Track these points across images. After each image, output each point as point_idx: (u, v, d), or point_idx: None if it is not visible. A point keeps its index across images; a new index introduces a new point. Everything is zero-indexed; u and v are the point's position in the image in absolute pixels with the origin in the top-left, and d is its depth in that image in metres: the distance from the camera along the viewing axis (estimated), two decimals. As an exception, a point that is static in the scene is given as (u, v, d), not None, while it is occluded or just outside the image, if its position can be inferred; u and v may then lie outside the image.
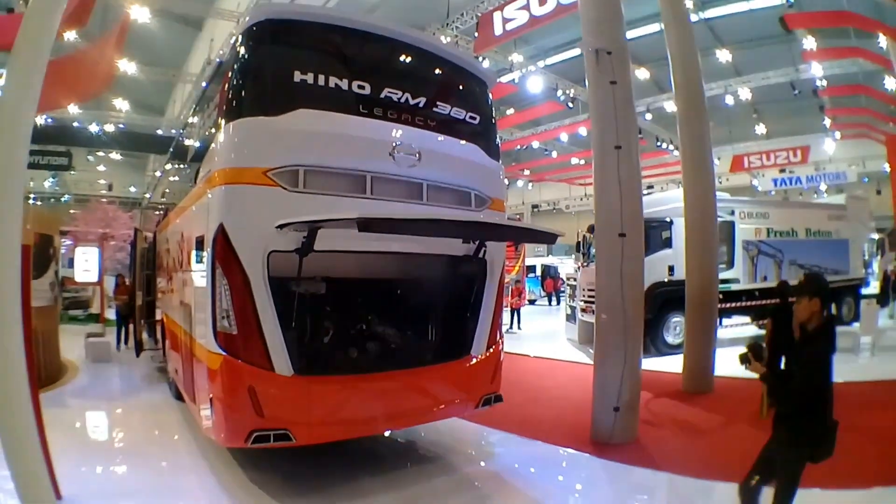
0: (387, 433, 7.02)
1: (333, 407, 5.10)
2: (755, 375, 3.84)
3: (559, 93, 21.37)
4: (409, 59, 5.97)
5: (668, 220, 12.71)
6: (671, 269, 12.55)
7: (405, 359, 5.91)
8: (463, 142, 5.99)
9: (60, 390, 9.56)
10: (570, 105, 21.58)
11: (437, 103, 5.85)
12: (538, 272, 32.71)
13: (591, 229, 13.29)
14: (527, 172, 35.91)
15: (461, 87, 6.30)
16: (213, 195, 5.00)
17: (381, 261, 5.89)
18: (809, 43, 17.34)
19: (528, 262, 31.01)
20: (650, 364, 11.05)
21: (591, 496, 5.78)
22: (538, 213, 40.74)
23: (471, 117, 6.11)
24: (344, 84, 5.18)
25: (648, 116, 23.50)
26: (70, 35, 15.57)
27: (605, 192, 6.78)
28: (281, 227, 4.61)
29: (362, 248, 5.19)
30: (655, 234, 12.73)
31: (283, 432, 4.73)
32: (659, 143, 25.36)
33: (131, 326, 12.93)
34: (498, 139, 6.56)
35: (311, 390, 4.95)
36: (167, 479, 5.88)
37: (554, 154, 30.72)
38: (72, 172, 30.31)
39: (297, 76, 4.99)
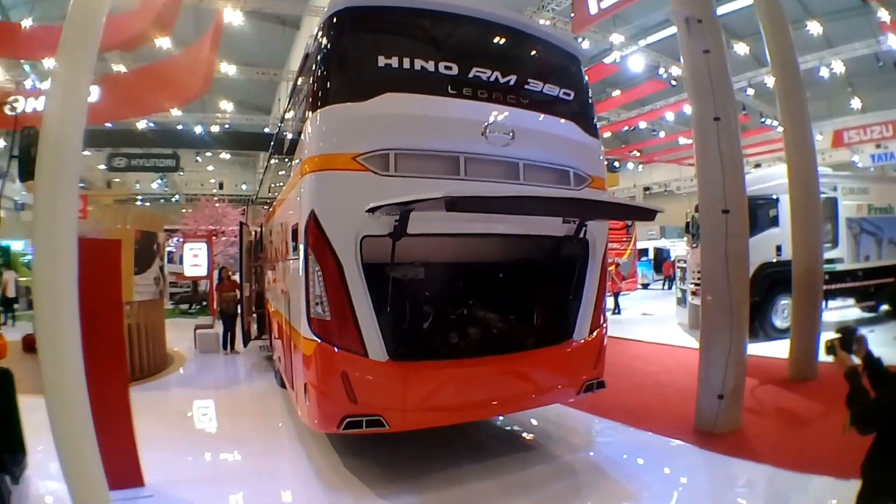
0: (498, 419, 6.82)
1: (428, 393, 4.91)
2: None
3: (661, 70, 20.41)
4: (495, 38, 5.71)
5: (773, 196, 11.71)
6: (779, 248, 11.58)
7: (504, 344, 5.60)
8: (558, 119, 5.65)
9: (166, 380, 9.84)
10: (674, 83, 20.31)
11: (529, 81, 5.53)
12: (650, 255, 31.35)
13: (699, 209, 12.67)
14: (636, 154, 34.56)
15: (552, 64, 5.95)
16: (304, 183, 4.94)
17: (479, 244, 5.69)
18: (884, 14, 16.20)
19: (641, 245, 29.62)
20: (757, 349, 10.27)
21: (687, 489, 5.33)
22: (650, 195, 38.90)
23: (565, 94, 5.75)
24: (430, 66, 5.01)
25: (750, 92, 22.07)
26: (165, 42, 16.30)
27: (707, 166, 6.22)
28: (372, 210, 4.47)
29: (458, 230, 5.04)
30: (762, 212, 11.80)
31: (376, 418, 4.64)
32: (763, 120, 23.65)
33: (238, 329, 12.40)
34: (595, 116, 6.16)
35: (406, 376, 4.79)
36: (261, 464, 5.90)
37: (661, 134, 29.22)
38: (180, 173, 31.81)
39: (382, 61, 4.88)
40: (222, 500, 5.08)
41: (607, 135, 29.37)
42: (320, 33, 5.12)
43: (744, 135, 25.04)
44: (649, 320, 17.14)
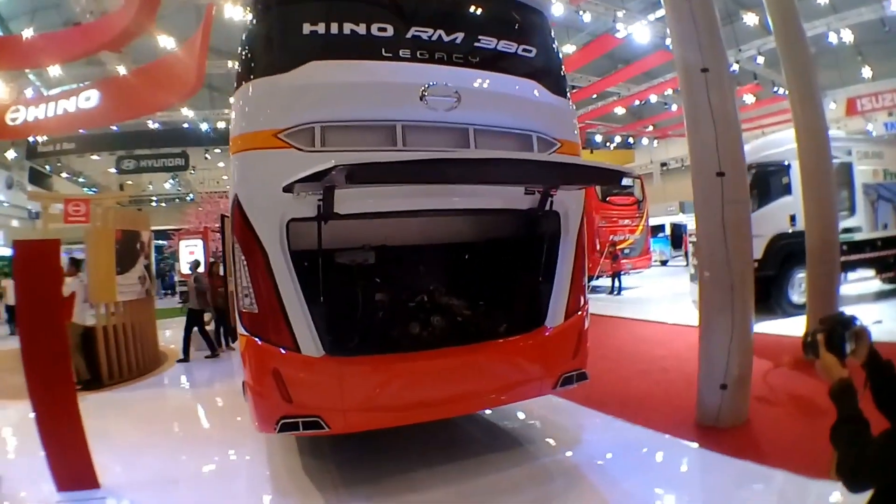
0: (486, 412, 6.19)
1: (371, 392, 4.29)
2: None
3: (669, 41, 19.25)
4: None
5: (785, 163, 10.68)
6: (793, 218, 10.56)
7: (460, 334, 4.93)
8: (517, 78, 4.88)
9: (154, 379, 9.45)
10: None
11: (479, 38, 4.79)
12: (667, 231, 30.25)
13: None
14: (650, 129, 33.29)
15: (508, 19, 5.19)
16: (231, 166, 4.45)
17: (437, 223, 5.05)
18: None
19: (659, 220, 28.53)
20: (773, 327, 9.54)
21: (676, 500, 4.51)
22: (667, 170, 37.45)
23: (524, 50, 4.98)
24: (361, 29, 4.41)
25: (761, 60, 21.39)
26: (169, 42, 15.84)
27: (696, 124, 5.37)
28: (287, 189, 3.87)
29: (398, 207, 4.44)
30: (774, 180, 10.94)
31: (313, 419, 4.10)
32: (775, 90, 22.55)
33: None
34: (564, 74, 5.33)
35: (344, 373, 4.20)
36: (217, 465, 5.49)
37: (674, 107, 27.78)
38: (191, 172, 31.45)
39: (307, 28, 4.37)
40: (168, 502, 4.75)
41: (621, 111, 28.43)
42: (248, 8, 4.69)
43: (756, 104, 24.07)
44: (664, 298, 16.24)
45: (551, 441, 5.65)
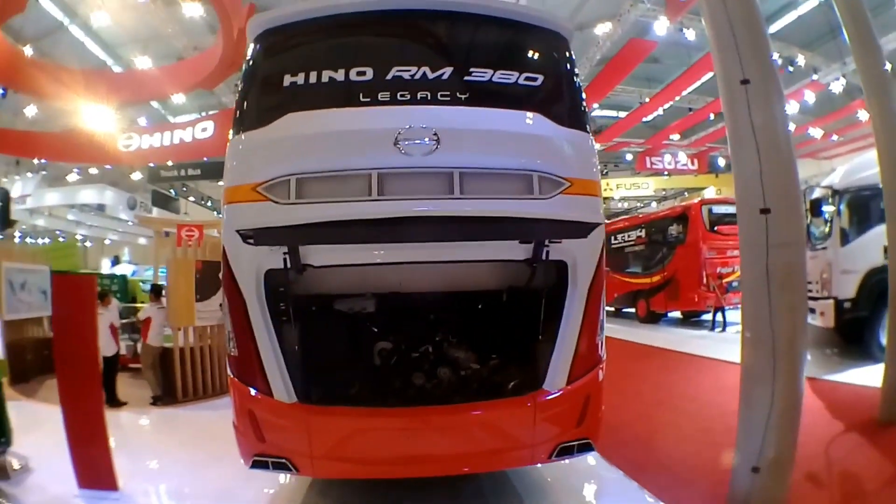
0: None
1: (337, 442, 4.23)
2: None
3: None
4: (426, 29, 4.58)
5: (881, 185, 9.03)
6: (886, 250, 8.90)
7: (439, 393, 4.53)
8: (514, 111, 4.24)
9: (228, 399, 9.52)
10: (790, 68, 17.24)
11: (472, 71, 4.24)
12: None
13: (814, 202, 10.04)
14: None
15: (508, 46, 4.61)
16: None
17: (424, 273, 4.60)
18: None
19: None
20: (862, 375, 8.12)
21: None
22: None
23: (528, 79, 4.31)
24: (340, 75, 4.17)
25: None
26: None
27: (739, 147, 4.31)
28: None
29: (370, 259, 4.24)
30: (873, 206, 9.23)
31: (282, 461, 4.19)
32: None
33: None
34: (578, 100, 4.55)
35: (311, 421, 4.13)
36: (238, 483, 5.37)
37: (791, 126, 24.63)
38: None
39: (287, 80, 4.22)
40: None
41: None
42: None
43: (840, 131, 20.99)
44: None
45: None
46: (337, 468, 4.41)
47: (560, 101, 4.44)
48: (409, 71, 4.15)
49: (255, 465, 4.23)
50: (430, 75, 4.15)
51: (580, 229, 4.09)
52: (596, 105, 19.98)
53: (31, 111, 19.74)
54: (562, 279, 4.25)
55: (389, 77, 4.13)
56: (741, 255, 4.50)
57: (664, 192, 33.95)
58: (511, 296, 4.74)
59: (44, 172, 28.15)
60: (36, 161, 25.00)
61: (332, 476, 4.64)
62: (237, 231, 3.98)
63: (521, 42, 4.63)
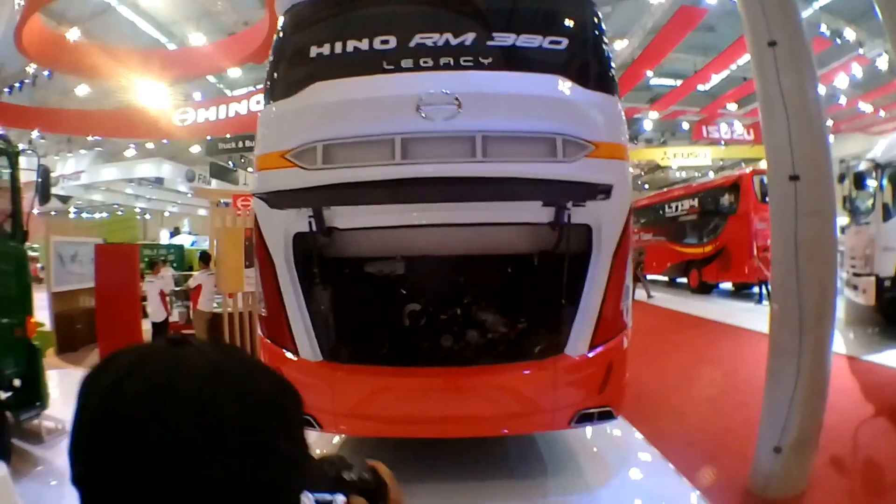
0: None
1: (360, 400, 4.40)
2: None
3: (823, 27, 16.30)
4: None
5: None
6: None
7: (461, 355, 4.61)
8: (538, 75, 4.19)
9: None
10: (838, 40, 16.45)
11: (494, 36, 4.26)
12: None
13: (858, 175, 9.83)
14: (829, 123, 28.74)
15: (529, 10, 4.56)
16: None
17: (456, 234, 4.61)
18: None
19: None
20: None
21: None
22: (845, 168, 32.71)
23: (552, 42, 4.25)
24: (364, 44, 4.27)
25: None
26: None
27: (768, 113, 4.08)
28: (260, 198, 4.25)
29: (398, 222, 4.30)
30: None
31: (306, 418, 3.85)
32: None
33: None
34: (604, 63, 4.43)
35: (335, 379, 4.29)
36: None
37: (842, 100, 22.87)
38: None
39: (314, 51, 4.39)
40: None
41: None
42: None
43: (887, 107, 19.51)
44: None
45: (570, 479, 4.76)
46: (359, 426, 4.56)
47: (585, 63, 4.41)
48: (432, 38, 4.21)
49: None
50: (453, 41, 4.19)
51: (604, 192, 4.01)
52: (650, 72, 19.24)
53: (82, 90, 20.58)
54: (588, 244, 4.20)
55: (412, 44, 4.21)
56: (771, 223, 4.29)
57: (721, 163, 32.67)
58: (539, 260, 4.72)
59: (99, 149, 29.31)
60: (90, 138, 25.99)
61: (355, 433, 4.78)
62: (266, 195, 4.15)
63: (545, 5, 4.63)
